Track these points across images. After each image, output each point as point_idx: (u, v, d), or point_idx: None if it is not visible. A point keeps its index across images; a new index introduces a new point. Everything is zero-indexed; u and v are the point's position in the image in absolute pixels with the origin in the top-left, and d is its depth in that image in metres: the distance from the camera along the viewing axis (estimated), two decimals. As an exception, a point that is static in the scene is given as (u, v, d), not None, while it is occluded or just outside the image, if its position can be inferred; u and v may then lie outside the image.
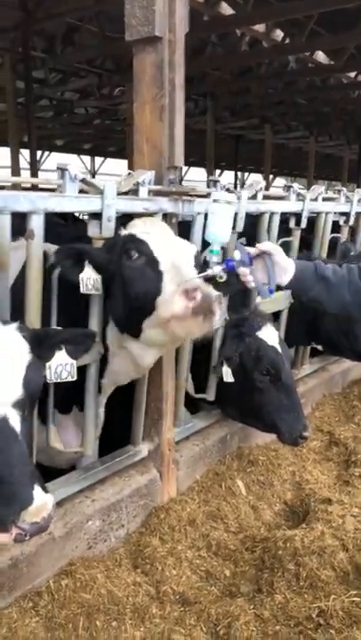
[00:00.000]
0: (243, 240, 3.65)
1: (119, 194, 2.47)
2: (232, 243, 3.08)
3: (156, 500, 3.12)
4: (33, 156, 11.30)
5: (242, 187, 4.17)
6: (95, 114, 16.70)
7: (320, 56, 10.86)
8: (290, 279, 2.34)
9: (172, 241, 2.44)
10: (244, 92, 13.95)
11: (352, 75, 12.16)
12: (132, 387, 3.00)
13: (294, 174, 29.10)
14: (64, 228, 4.50)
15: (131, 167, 2.91)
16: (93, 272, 2.36)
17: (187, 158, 2.89)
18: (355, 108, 15.31)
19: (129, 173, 2.60)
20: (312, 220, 4.17)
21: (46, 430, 2.66)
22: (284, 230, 3.93)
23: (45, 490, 1.76)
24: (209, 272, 2.28)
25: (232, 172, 21.37)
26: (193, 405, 3.61)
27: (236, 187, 9.18)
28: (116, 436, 3.15)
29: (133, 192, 2.59)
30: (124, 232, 2.46)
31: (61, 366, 2.17)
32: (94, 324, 2.56)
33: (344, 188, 4.57)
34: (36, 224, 2.20)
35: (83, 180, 2.32)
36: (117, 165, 22.74)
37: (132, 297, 2.36)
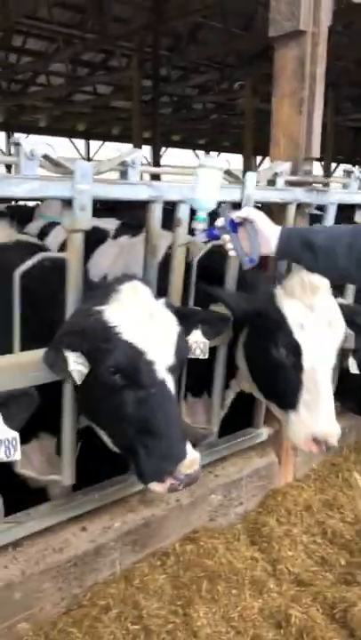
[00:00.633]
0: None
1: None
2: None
3: (274, 482, 3.23)
4: (156, 152, 11.74)
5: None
6: (212, 108, 16.91)
7: None
8: (274, 249, 2.14)
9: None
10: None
11: None
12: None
13: None
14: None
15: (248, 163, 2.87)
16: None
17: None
18: None
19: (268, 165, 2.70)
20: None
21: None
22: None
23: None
24: (193, 238, 2.22)
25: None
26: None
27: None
28: (235, 422, 3.28)
29: (270, 182, 2.69)
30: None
31: (196, 343, 2.33)
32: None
33: None
34: (183, 213, 2.38)
35: (45, 157, 1.93)
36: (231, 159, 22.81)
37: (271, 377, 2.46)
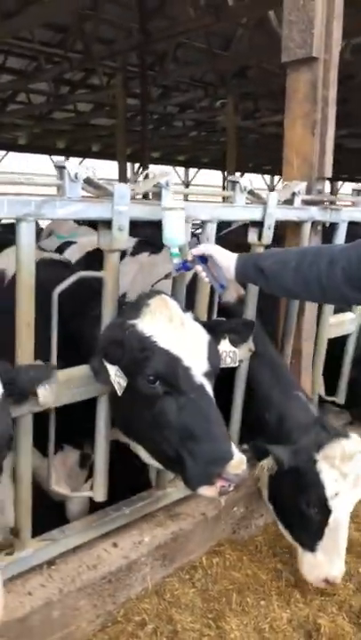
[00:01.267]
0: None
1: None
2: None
3: (291, 494, 3.27)
4: (145, 169, 11.84)
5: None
6: (192, 126, 17.17)
7: None
8: (233, 274, 2.30)
9: None
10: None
11: None
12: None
13: None
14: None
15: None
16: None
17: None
18: None
19: (284, 185, 2.81)
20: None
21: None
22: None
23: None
24: (171, 273, 2.41)
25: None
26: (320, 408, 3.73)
27: None
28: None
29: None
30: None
31: (225, 352, 2.38)
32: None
33: None
34: (210, 231, 2.45)
35: (87, 180, 2.02)
36: (212, 177, 23.13)
37: None
